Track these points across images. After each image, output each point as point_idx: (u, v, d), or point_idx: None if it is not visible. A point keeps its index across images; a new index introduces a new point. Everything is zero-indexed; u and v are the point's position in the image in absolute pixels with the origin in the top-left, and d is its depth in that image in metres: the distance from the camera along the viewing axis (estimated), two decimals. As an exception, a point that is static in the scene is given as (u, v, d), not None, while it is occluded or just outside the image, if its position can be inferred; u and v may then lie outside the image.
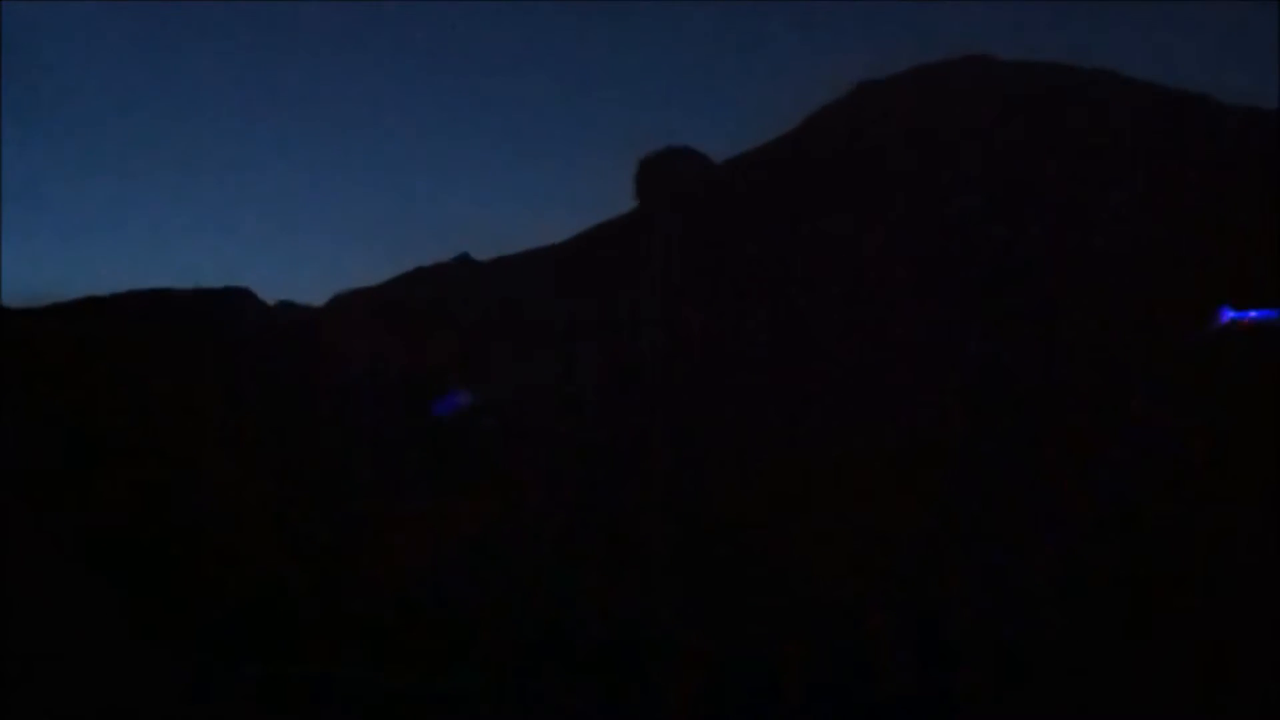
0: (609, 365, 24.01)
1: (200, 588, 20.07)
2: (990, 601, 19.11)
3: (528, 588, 19.81)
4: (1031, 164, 26.30)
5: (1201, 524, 19.44)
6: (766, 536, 20.17)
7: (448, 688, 18.37)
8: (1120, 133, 26.62)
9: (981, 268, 24.33)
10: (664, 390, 23.24)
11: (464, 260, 29.13)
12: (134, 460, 22.10)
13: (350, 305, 27.35)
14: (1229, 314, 22.09)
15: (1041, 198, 25.64)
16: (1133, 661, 18.18)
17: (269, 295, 27.38)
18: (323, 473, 22.21)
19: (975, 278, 24.13)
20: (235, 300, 26.59)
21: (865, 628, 18.79)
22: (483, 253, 29.61)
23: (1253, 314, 22.13)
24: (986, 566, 19.58)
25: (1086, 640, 18.49)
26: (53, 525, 20.78)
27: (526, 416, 22.87)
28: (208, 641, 19.30)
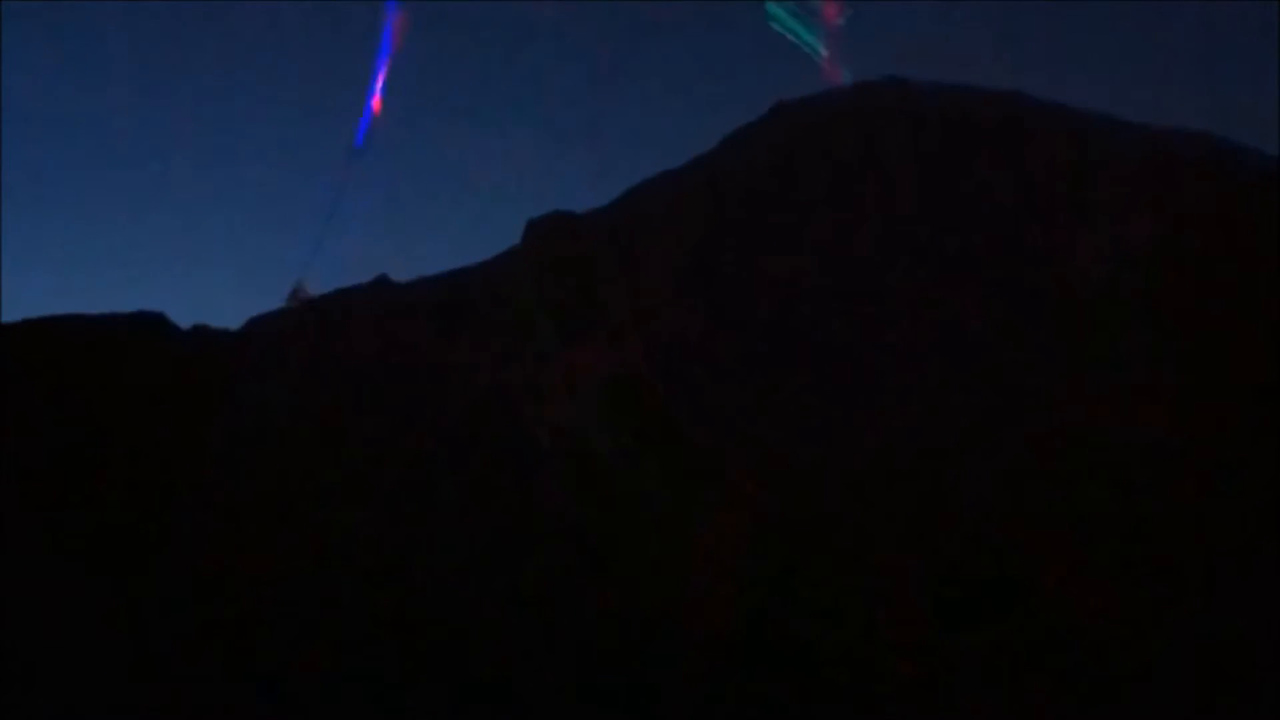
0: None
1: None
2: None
3: (530, 585, 19.75)
4: (945, 183, 26.67)
5: (1201, 523, 19.50)
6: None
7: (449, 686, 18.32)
8: (1028, 153, 26.99)
9: (894, 286, 24.58)
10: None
11: (382, 281, 29.14)
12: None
13: (267, 328, 27.36)
14: None
15: (955, 216, 25.95)
16: (1131, 660, 18.22)
17: (183, 320, 27.27)
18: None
19: (890, 293, 24.38)
20: (149, 325, 26.44)
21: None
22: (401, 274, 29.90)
23: None
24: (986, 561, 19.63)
25: (1085, 640, 18.55)
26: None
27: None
28: (207, 641, 19.23)
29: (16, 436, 22.46)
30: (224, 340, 26.76)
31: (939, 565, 19.68)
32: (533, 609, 19.47)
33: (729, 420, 22.33)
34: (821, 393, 22.45)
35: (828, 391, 22.47)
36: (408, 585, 19.90)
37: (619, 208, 27.79)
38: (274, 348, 25.97)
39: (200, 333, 26.86)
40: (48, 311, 26.56)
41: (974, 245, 24.85)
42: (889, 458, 21.25)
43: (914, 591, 19.38)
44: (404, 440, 22.72)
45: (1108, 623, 18.81)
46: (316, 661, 18.79)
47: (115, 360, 24.54)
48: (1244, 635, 18.02)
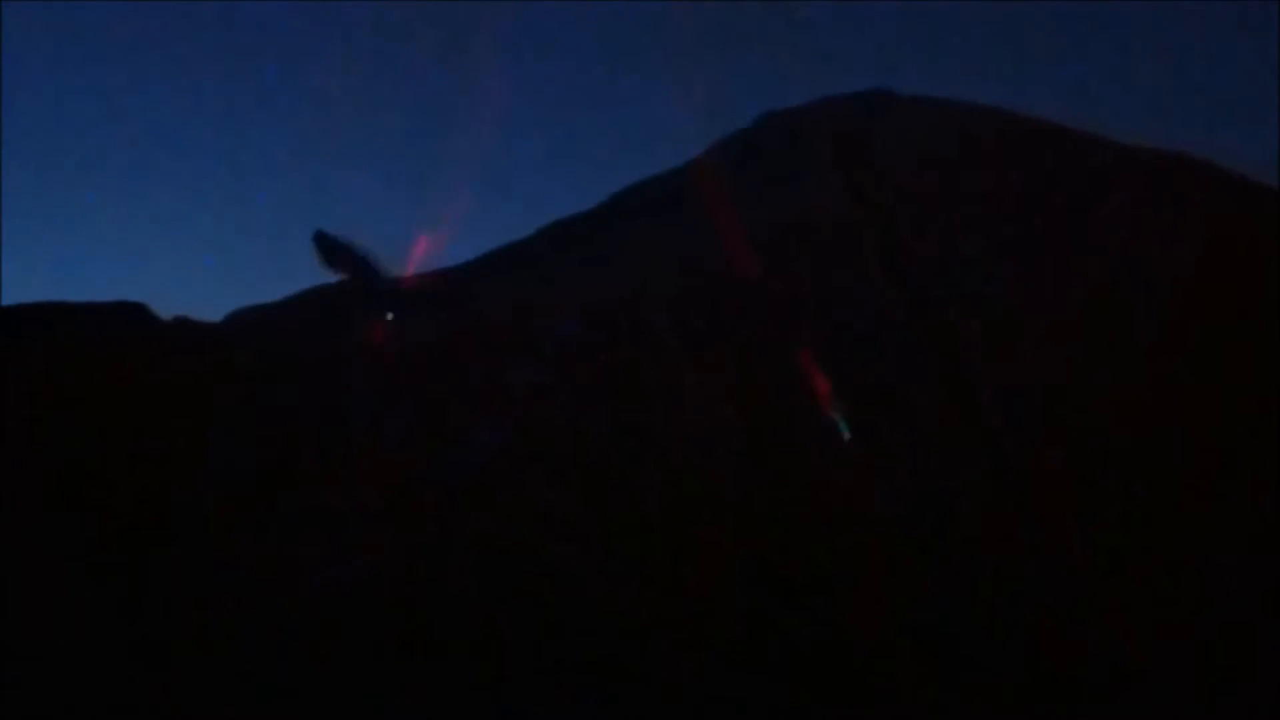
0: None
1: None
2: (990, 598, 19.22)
3: (532, 583, 19.81)
4: (934, 195, 26.80)
5: (1200, 521, 19.59)
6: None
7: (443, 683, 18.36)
8: (1011, 170, 27.15)
9: (876, 302, 24.68)
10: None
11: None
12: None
13: (247, 322, 27.31)
14: None
15: (946, 225, 26.08)
16: (1131, 660, 18.28)
17: (164, 311, 27.02)
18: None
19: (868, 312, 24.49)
20: (130, 315, 26.30)
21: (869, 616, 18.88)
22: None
23: None
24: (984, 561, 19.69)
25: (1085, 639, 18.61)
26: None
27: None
28: (207, 643, 19.28)
29: (6, 435, 22.48)
30: (209, 332, 26.59)
31: (939, 564, 19.78)
32: (532, 608, 19.54)
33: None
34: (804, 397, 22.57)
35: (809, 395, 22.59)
36: (407, 585, 19.95)
37: (603, 213, 27.86)
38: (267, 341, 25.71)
39: (183, 324, 26.73)
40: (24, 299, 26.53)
41: (968, 252, 25.00)
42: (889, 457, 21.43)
43: (914, 591, 19.48)
44: (403, 438, 22.81)
45: (1108, 622, 18.89)
46: (316, 661, 18.85)
47: (101, 352, 24.42)
48: (1244, 635, 18.11)
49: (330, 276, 28.64)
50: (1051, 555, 19.91)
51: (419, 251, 28.67)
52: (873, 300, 24.84)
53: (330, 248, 28.11)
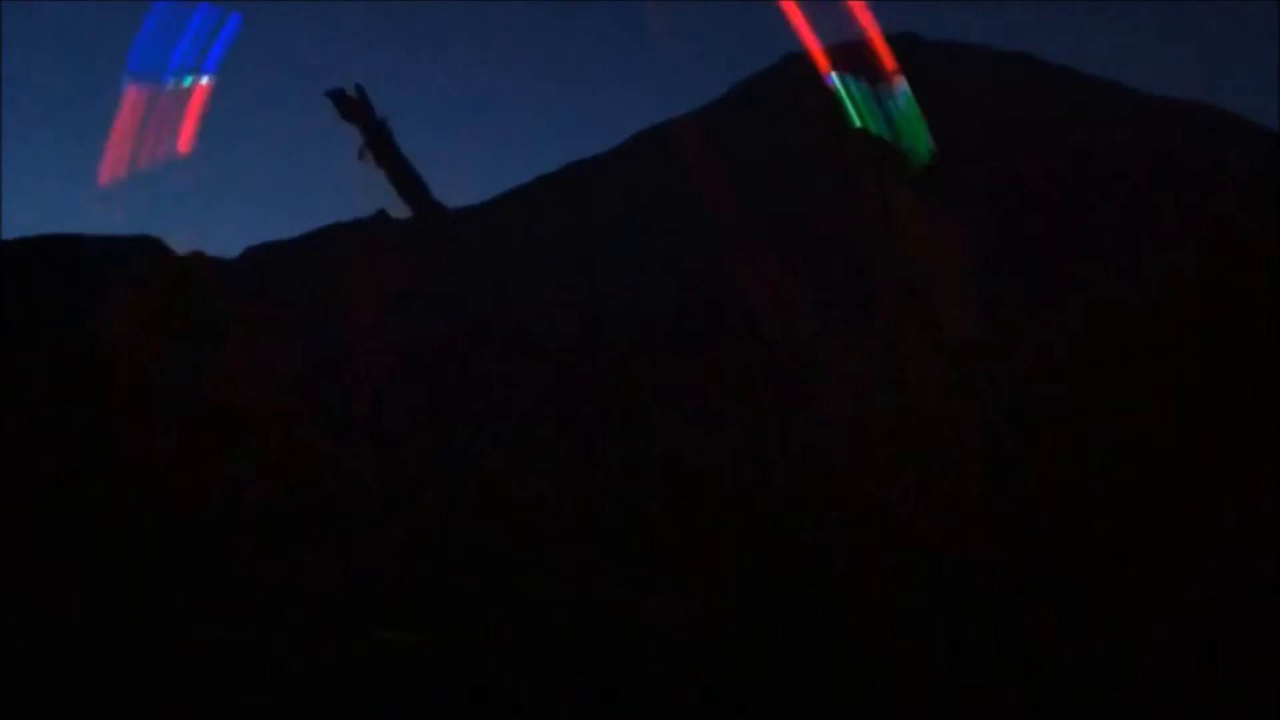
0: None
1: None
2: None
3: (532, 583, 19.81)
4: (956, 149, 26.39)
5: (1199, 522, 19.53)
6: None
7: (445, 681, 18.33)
8: (1035, 111, 26.72)
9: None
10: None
11: (381, 216, 28.54)
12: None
13: (264, 257, 27.01)
14: None
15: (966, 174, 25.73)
16: (1132, 661, 18.23)
17: (180, 246, 26.59)
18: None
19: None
20: (145, 249, 25.95)
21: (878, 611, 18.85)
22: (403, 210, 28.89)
23: None
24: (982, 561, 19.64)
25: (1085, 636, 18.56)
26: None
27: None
28: (208, 643, 19.26)
29: (16, 432, 22.43)
30: (221, 269, 26.25)
31: (938, 564, 19.75)
32: (532, 608, 19.53)
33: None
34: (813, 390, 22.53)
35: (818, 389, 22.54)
36: (407, 585, 19.95)
37: (619, 155, 27.57)
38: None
39: (199, 260, 26.42)
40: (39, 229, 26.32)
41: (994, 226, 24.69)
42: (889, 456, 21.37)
43: (914, 591, 19.44)
44: (409, 434, 22.81)
45: (1108, 622, 18.86)
46: (316, 660, 18.85)
47: (126, 351, 24.25)
48: (1244, 635, 18.06)
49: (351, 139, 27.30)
50: (1051, 555, 19.89)
51: None
52: (868, 293, 24.78)
53: (345, 101, 27.13)
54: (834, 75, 23.07)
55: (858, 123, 23.59)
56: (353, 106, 26.98)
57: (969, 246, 24.98)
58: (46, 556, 20.14)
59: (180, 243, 25.98)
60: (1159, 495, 20.23)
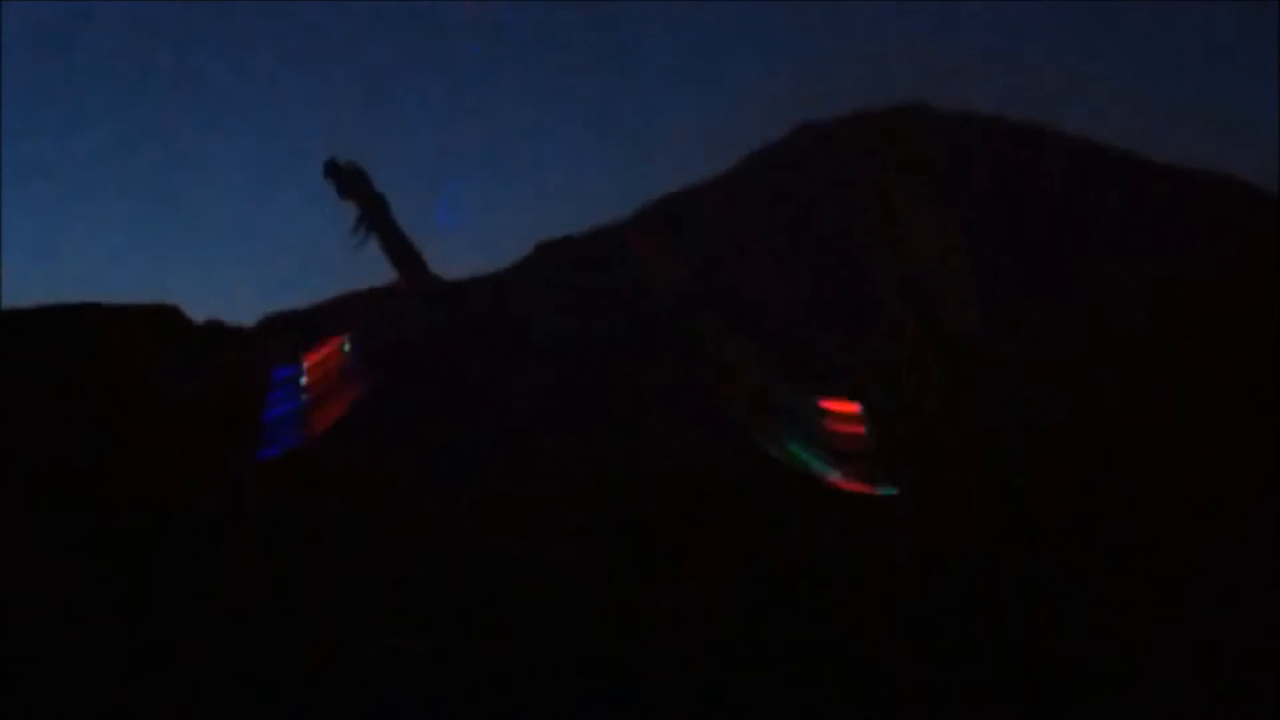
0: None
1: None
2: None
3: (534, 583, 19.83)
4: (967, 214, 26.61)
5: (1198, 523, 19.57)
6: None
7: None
8: (1052, 184, 26.94)
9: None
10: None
11: (396, 285, 28.63)
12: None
13: (279, 326, 27.06)
14: None
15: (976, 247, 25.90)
16: (1132, 660, 18.28)
17: (197, 314, 26.75)
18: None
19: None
20: (162, 317, 26.16)
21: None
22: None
23: None
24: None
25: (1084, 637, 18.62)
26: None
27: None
28: (208, 643, 19.29)
29: (18, 432, 22.43)
30: (240, 337, 26.51)
31: (938, 564, 19.78)
32: (532, 608, 19.54)
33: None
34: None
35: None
36: (407, 585, 19.96)
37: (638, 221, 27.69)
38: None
39: (214, 328, 26.67)
40: (55, 298, 26.28)
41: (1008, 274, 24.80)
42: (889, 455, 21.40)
43: (914, 591, 19.46)
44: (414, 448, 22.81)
45: (1108, 622, 18.90)
46: (316, 660, 18.88)
47: (128, 355, 24.30)
48: (1244, 635, 18.11)
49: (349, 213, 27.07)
50: (1051, 555, 19.91)
51: None
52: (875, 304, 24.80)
53: (343, 175, 26.79)
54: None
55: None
56: (348, 180, 26.92)
57: (968, 246, 25.02)
58: (46, 556, 20.13)
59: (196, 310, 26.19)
60: (1159, 495, 20.25)
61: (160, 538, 20.88)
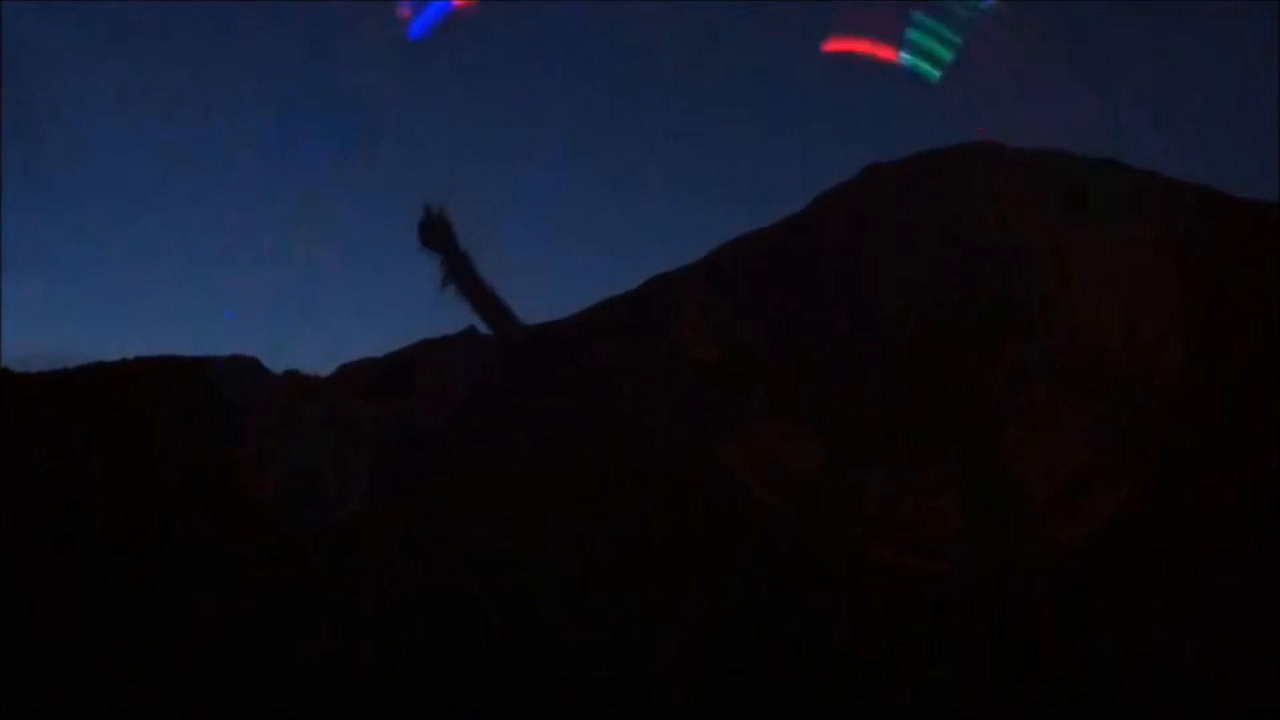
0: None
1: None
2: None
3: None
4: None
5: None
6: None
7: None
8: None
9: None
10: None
11: (470, 333, 28.63)
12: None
13: (356, 374, 27.06)
14: None
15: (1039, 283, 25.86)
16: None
17: (275, 364, 26.92)
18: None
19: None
20: (241, 368, 26.31)
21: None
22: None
23: None
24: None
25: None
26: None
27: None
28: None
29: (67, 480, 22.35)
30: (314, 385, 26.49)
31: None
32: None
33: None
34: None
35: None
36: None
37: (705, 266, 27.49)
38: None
39: (294, 379, 26.72)
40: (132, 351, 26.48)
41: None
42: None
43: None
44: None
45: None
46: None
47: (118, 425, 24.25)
48: (1244, 635, 18.08)
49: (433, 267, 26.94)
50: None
51: None
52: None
53: (428, 229, 26.53)
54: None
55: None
56: (434, 233, 26.69)
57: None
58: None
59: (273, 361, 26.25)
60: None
61: (160, 537, 20.92)
